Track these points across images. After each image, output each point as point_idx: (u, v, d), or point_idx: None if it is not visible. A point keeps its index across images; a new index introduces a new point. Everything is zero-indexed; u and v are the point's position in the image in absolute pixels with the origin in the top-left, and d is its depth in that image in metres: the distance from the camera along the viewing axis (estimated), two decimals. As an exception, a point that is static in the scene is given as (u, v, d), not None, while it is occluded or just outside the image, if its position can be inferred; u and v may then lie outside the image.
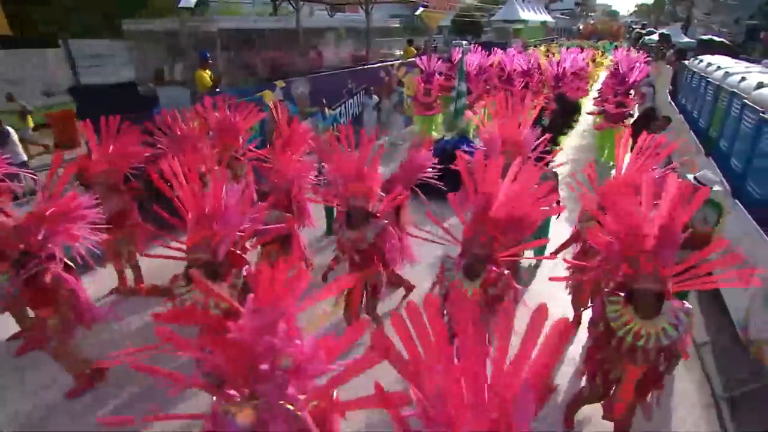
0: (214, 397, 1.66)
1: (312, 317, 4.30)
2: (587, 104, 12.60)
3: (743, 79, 6.72)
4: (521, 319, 1.40)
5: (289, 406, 1.57)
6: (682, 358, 2.67)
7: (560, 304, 4.25)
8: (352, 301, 3.81)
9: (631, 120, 9.11)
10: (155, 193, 3.48)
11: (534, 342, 1.29)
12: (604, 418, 2.99)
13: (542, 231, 4.77)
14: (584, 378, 3.08)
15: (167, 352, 1.68)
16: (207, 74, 6.82)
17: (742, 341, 3.97)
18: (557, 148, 7.06)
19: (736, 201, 5.01)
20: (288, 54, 9.11)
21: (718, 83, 7.69)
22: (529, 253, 4.97)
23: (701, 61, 10.11)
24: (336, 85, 9.66)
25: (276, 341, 1.57)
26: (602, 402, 2.97)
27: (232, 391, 1.60)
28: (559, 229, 5.21)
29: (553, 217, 5.02)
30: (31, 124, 9.13)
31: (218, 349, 1.55)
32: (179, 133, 5.12)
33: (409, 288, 4.62)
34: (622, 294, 2.66)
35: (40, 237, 3.10)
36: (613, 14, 71.52)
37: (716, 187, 5.06)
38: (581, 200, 3.95)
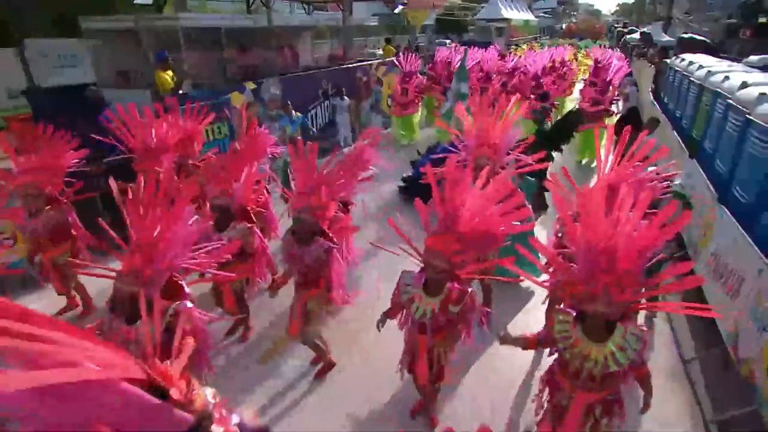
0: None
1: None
2: (569, 104, 12.41)
3: (726, 78, 6.52)
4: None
5: None
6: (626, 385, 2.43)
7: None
8: (292, 320, 3.49)
9: (612, 119, 8.93)
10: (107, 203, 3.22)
11: None
12: None
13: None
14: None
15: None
16: (168, 75, 6.41)
17: (732, 359, 3.73)
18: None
19: (723, 207, 4.79)
20: (260, 54, 8.71)
21: (700, 83, 7.51)
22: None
23: (683, 60, 9.96)
24: (310, 87, 9.30)
25: None
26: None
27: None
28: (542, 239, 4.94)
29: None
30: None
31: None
32: (135, 139, 4.74)
33: (327, 364, 3.86)
34: (573, 312, 2.41)
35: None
36: (596, 13, 72.19)
37: (677, 181, 4.90)
38: (557, 206, 3.74)
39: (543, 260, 2.70)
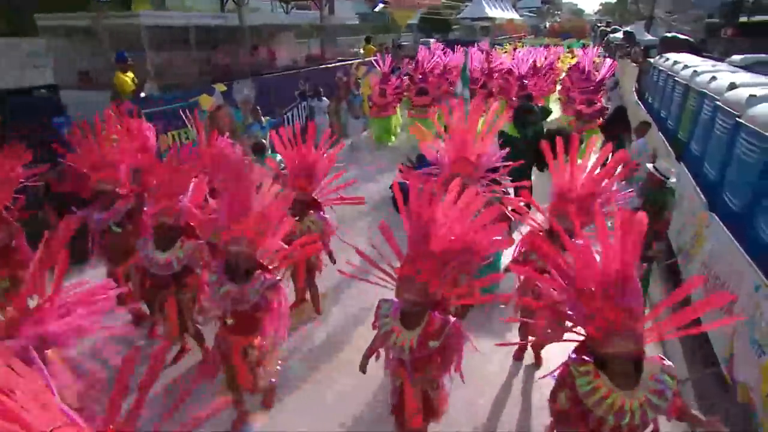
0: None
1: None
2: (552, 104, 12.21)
3: (713, 78, 6.32)
4: None
5: None
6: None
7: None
8: (232, 377, 3.06)
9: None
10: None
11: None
12: None
13: (492, 265, 4.19)
14: None
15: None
16: (128, 77, 6.00)
17: (727, 381, 3.49)
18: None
19: (713, 215, 4.56)
20: (232, 54, 8.31)
21: (686, 83, 7.32)
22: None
23: (667, 59, 9.80)
24: (287, 88, 8.92)
25: None
26: None
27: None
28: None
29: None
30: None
31: None
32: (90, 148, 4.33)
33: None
34: (590, 360, 2.09)
35: None
36: (579, 12, 72.59)
37: (672, 179, 4.67)
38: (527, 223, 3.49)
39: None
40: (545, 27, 45.28)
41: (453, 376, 2.68)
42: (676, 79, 7.96)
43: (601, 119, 8.33)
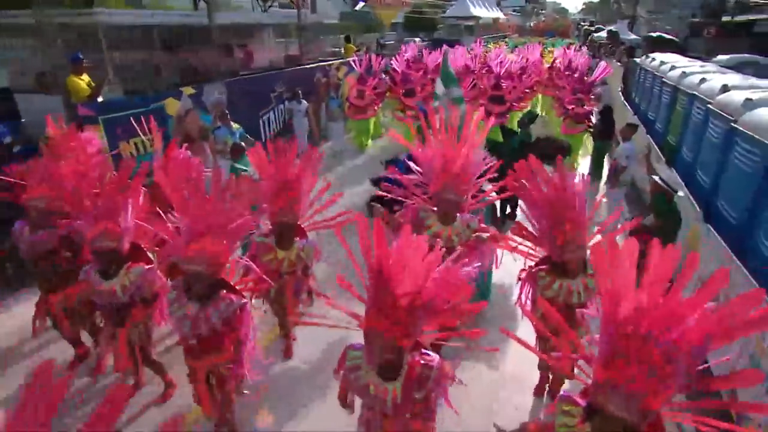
0: None
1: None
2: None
3: (703, 80, 6.09)
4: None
5: None
6: None
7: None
8: (200, 399, 2.81)
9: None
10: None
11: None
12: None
13: (482, 293, 3.86)
14: None
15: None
16: (83, 80, 5.53)
17: (732, 417, 3.20)
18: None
19: (709, 226, 4.29)
20: (202, 55, 7.85)
21: (675, 84, 7.09)
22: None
23: (653, 59, 9.62)
24: (262, 90, 8.49)
25: None
26: None
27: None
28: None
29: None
30: None
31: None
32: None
33: None
34: (582, 402, 1.80)
35: None
36: (563, 12, 73.05)
37: (681, 193, 4.38)
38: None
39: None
40: (530, 26, 45.33)
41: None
42: (664, 80, 7.74)
43: (588, 121, 8.09)
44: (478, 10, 32.16)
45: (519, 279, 3.26)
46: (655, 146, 6.91)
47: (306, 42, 11.54)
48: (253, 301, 3.38)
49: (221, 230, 2.55)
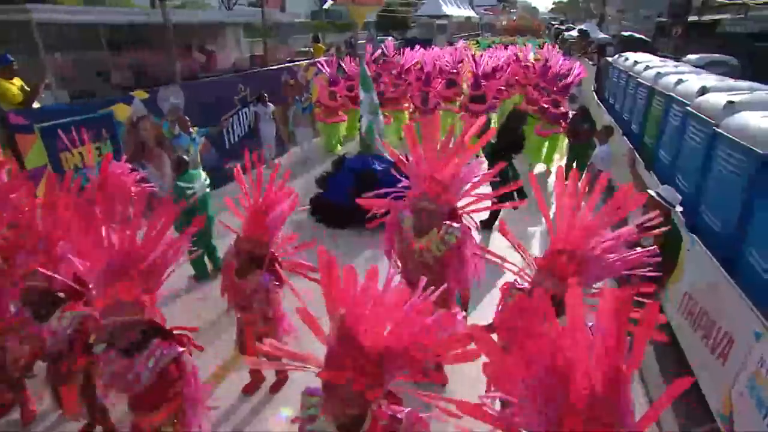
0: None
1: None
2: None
3: (680, 81, 5.94)
4: None
5: None
6: None
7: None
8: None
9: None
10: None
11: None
12: None
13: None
14: None
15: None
16: (14, 85, 4.97)
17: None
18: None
19: (694, 237, 4.09)
20: (158, 56, 7.31)
21: (650, 84, 6.95)
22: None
23: (627, 58, 9.53)
24: (224, 93, 7.99)
25: None
26: None
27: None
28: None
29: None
30: None
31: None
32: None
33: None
34: None
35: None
36: (533, 11, 73.93)
37: (678, 208, 4.15)
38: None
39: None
40: (501, 25, 45.65)
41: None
42: (639, 80, 7.61)
43: (564, 123, 7.91)
44: (450, 9, 32.12)
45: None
46: (632, 147, 6.74)
47: (277, 42, 11.04)
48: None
49: (136, 270, 2.13)
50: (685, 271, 4.12)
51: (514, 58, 12.63)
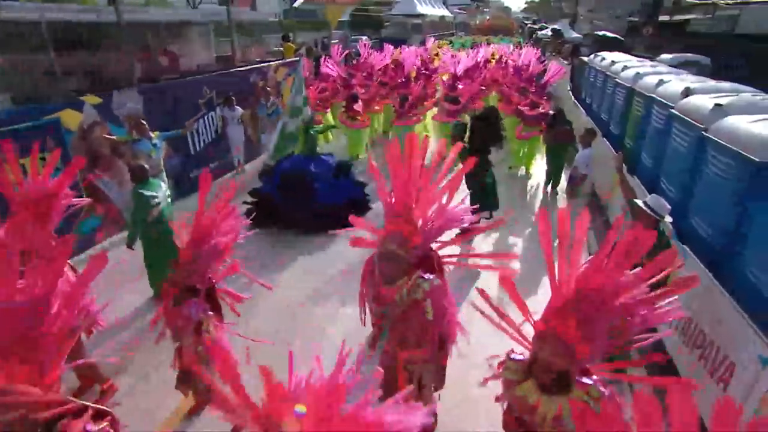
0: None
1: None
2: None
3: (661, 82, 5.79)
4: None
5: None
6: None
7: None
8: None
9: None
10: None
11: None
12: None
13: None
14: None
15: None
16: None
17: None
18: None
19: (685, 247, 3.89)
20: (113, 57, 6.78)
21: (630, 85, 6.81)
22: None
23: (603, 58, 9.43)
24: (189, 96, 7.50)
25: None
26: None
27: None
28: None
29: None
30: None
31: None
32: None
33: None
34: None
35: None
36: (506, 10, 74.62)
37: (668, 219, 3.93)
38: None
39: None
40: (475, 24, 45.82)
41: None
42: (618, 80, 7.47)
43: (543, 124, 7.71)
44: (424, 8, 31.99)
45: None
46: (613, 150, 6.58)
47: (250, 42, 10.56)
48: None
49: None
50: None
51: (491, 57, 12.46)
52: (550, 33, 25.12)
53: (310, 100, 8.62)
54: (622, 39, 15.75)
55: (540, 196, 7.50)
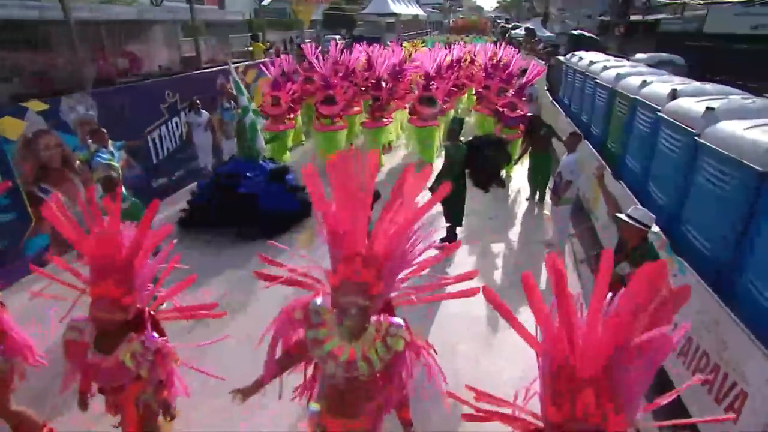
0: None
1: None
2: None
3: (645, 83, 5.62)
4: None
5: None
6: None
7: None
8: None
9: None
10: None
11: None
12: None
13: None
14: None
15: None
16: None
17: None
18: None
19: (681, 260, 3.67)
20: (61, 58, 6.20)
21: (611, 86, 6.64)
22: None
23: (581, 58, 9.31)
24: (146, 101, 6.97)
25: None
26: None
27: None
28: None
29: None
30: None
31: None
32: None
33: None
34: None
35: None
36: (479, 9, 75.11)
37: (655, 228, 3.71)
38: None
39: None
40: (448, 23, 45.85)
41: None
42: (598, 81, 7.32)
43: (522, 126, 7.49)
44: (397, 7, 31.74)
45: None
46: (596, 153, 6.39)
47: (217, 42, 10.02)
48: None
49: None
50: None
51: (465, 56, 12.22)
52: (523, 32, 25.20)
53: (282, 101, 8.18)
54: (597, 38, 15.79)
55: (521, 201, 7.27)
